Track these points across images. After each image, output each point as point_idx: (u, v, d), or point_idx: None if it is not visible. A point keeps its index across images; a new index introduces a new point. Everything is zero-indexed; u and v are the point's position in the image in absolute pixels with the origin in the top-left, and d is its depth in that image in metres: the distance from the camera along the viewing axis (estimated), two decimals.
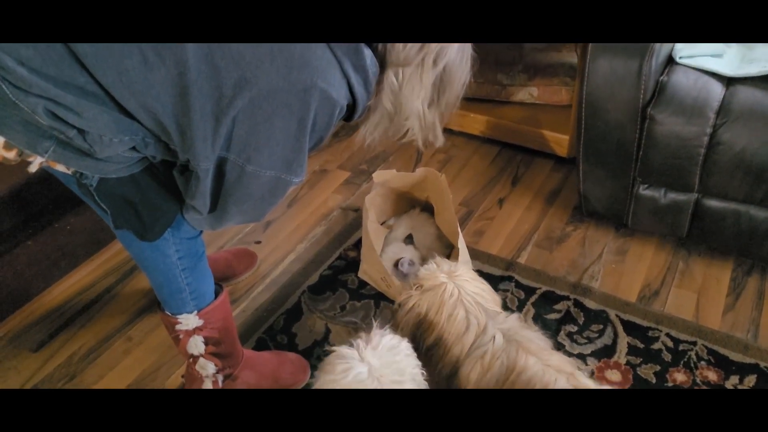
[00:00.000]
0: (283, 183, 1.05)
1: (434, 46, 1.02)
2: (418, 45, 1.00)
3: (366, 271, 1.75)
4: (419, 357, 1.23)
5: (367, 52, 0.98)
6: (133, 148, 1.00)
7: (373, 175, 1.80)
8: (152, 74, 0.89)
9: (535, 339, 1.16)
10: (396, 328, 1.22)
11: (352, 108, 1.05)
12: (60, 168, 1.01)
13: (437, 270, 1.22)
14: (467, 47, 1.09)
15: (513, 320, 1.20)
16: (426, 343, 1.21)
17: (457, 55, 1.07)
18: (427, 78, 1.05)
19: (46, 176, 1.83)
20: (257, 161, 0.99)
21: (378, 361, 0.99)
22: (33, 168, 0.99)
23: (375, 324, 1.05)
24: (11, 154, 0.97)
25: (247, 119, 0.95)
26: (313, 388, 1.01)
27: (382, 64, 1.04)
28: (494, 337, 1.15)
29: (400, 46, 1.00)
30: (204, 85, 0.91)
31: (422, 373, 1.04)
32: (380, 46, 1.01)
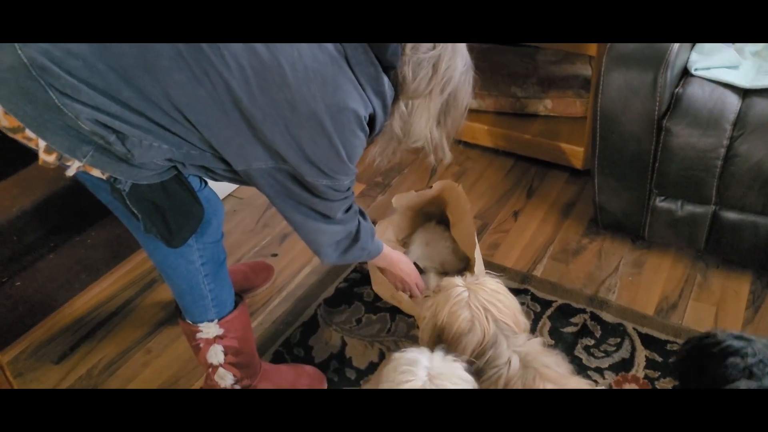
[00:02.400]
0: (329, 186, 1.11)
1: (440, 77, 1.10)
2: (427, 78, 1.09)
3: (377, 289, 1.76)
4: None
5: (385, 80, 1.06)
6: (169, 159, 1.05)
7: (393, 200, 1.81)
8: (200, 89, 0.95)
9: (554, 365, 1.14)
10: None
11: (370, 127, 1.12)
12: (95, 173, 1.05)
13: (458, 278, 1.24)
14: (469, 69, 1.17)
15: (533, 345, 1.18)
16: (437, 344, 1.21)
17: (461, 78, 1.14)
18: (435, 106, 1.14)
19: (68, 191, 1.87)
20: (305, 173, 1.07)
21: (438, 364, 1.00)
22: (70, 172, 1.03)
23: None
24: (51, 158, 1.01)
25: (292, 137, 1.02)
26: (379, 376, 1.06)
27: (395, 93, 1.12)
28: (510, 361, 1.14)
29: (410, 78, 1.08)
30: (248, 103, 0.97)
31: None
32: (393, 74, 1.08)
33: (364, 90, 1.04)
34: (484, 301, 1.18)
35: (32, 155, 1.04)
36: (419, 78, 1.09)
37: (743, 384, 1.02)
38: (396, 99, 1.12)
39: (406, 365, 0.99)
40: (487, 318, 1.17)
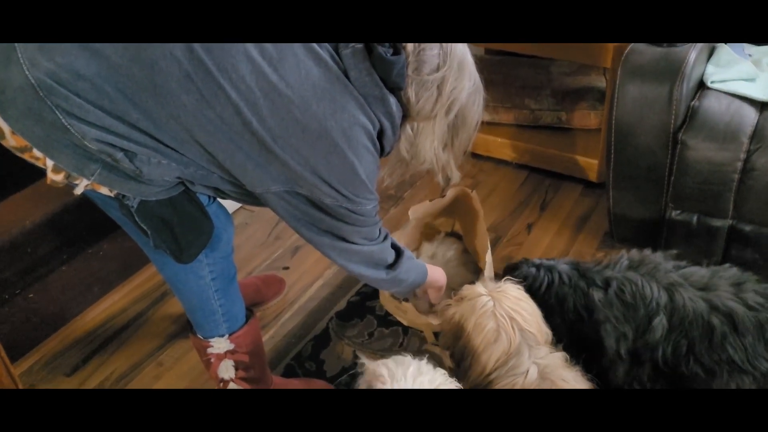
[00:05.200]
0: (351, 210, 1.10)
1: (445, 99, 1.08)
2: (431, 100, 1.07)
3: (382, 301, 1.75)
4: (457, 371, 1.22)
5: (393, 100, 1.05)
6: (177, 177, 1.05)
7: (409, 211, 1.80)
8: (208, 111, 0.94)
9: (572, 380, 1.12)
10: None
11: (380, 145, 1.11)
12: (103, 191, 1.05)
13: (480, 285, 1.23)
14: (478, 90, 1.15)
15: (555, 358, 1.16)
16: (460, 352, 1.21)
17: (468, 99, 1.12)
18: (440, 127, 1.12)
19: (80, 203, 1.88)
20: (323, 195, 1.06)
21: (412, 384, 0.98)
22: (78, 190, 1.03)
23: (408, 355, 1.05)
24: (59, 177, 1.01)
25: (305, 158, 1.01)
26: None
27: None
28: (528, 371, 1.12)
29: (413, 100, 1.07)
30: (258, 126, 0.97)
31: None
32: (399, 95, 1.07)
33: (371, 108, 1.03)
34: (509, 310, 1.17)
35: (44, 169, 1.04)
36: (423, 100, 1.07)
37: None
38: (402, 121, 1.11)
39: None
40: (513, 327, 1.15)
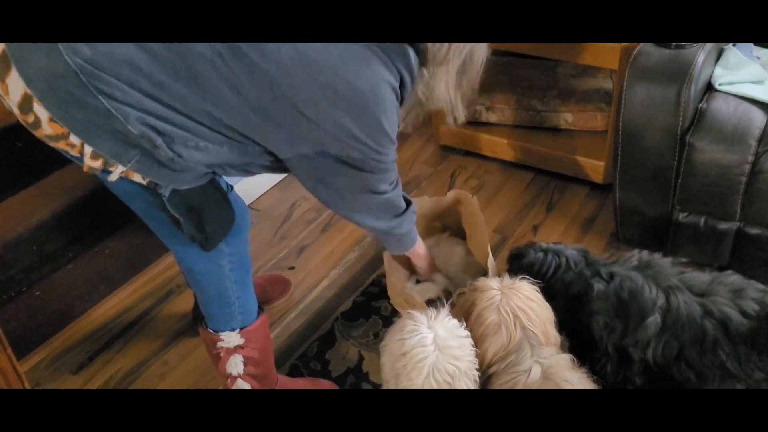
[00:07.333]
0: (376, 159, 1.15)
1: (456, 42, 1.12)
2: (446, 46, 1.11)
3: (391, 297, 1.74)
4: None
5: (411, 52, 1.09)
6: (209, 165, 1.08)
7: None
8: (243, 87, 0.97)
9: (577, 382, 1.12)
10: None
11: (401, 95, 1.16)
12: (136, 178, 1.06)
13: (495, 280, 1.24)
14: None
15: (560, 359, 1.16)
16: None
17: None
18: (453, 68, 1.17)
19: (87, 201, 1.88)
20: (352, 150, 1.10)
21: (443, 332, 1.09)
22: (113, 177, 1.04)
23: (445, 306, 1.16)
24: (97, 164, 1.02)
25: (335, 119, 1.05)
26: (381, 345, 1.15)
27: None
28: (530, 370, 1.12)
29: (429, 47, 1.11)
30: (292, 94, 1.00)
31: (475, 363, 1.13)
32: (420, 45, 1.11)
33: (393, 63, 1.07)
34: (515, 307, 1.18)
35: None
36: (437, 46, 1.11)
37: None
38: (419, 68, 1.15)
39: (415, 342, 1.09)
40: (514, 324, 1.16)
